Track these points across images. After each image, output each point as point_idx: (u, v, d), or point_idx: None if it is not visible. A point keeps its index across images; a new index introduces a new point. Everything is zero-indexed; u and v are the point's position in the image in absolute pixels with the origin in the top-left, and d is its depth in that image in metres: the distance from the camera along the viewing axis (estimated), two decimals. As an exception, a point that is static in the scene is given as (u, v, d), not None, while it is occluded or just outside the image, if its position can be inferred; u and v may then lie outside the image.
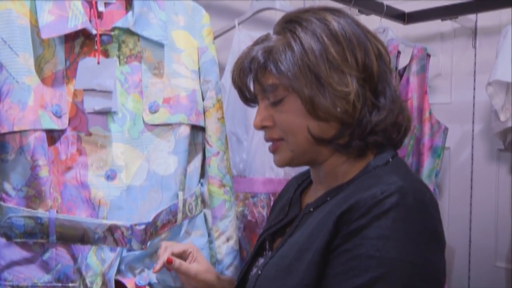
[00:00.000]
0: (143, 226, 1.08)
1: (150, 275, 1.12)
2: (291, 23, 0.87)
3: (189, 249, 1.05)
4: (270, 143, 0.91)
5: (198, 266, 1.04)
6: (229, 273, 1.28)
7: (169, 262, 0.99)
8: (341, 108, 0.82)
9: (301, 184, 1.02)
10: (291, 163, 0.89)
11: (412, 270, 0.74)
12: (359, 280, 0.73)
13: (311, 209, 0.89)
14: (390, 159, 0.86)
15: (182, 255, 1.04)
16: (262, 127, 0.89)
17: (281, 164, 0.90)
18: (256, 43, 0.89)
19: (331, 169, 0.89)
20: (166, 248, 1.02)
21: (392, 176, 0.80)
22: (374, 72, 0.85)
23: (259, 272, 0.87)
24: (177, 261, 1.01)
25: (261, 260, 0.96)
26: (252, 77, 0.89)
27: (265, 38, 0.89)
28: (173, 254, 1.03)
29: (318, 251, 0.78)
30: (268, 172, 1.72)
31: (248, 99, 0.93)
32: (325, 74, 0.82)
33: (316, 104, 0.82)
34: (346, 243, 0.76)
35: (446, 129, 2.00)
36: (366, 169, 0.86)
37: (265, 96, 0.88)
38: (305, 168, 1.01)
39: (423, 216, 0.77)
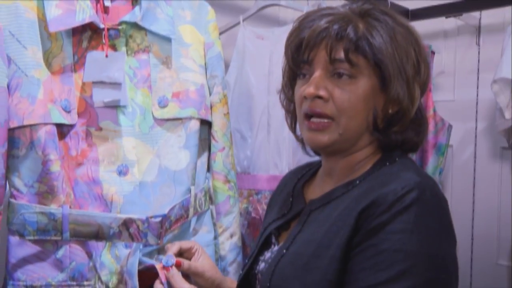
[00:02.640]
0: (159, 219, 1.07)
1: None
2: (380, 15, 0.87)
3: (195, 246, 1.06)
4: (307, 121, 0.88)
5: (204, 263, 1.04)
6: (231, 269, 1.29)
7: (178, 265, 1.00)
8: (409, 112, 0.87)
9: (301, 177, 1.02)
10: (331, 146, 0.87)
11: (436, 262, 0.76)
12: (386, 274, 0.74)
13: (323, 204, 0.88)
14: (397, 158, 0.88)
15: (189, 251, 1.05)
16: (316, 97, 0.85)
17: (322, 144, 0.87)
18: (351, 10, 0.88)
19: (352, 162, 0.90)
20: (175, 243, 1.04)
21: (408, 172, 0.82)
22: (425, 90, 0.90)
23: (273, 269, 0.86)
24: (185, 263, 1.02)
25: (267, 254, 0.96)
26: (341, 46, 0.85)
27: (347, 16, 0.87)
28: (181, 249, 1.05)
29: (340, 247, 0.79)
30: (272, 169, 1.71)
31: (298, 60, 0.89)
32: (411, 77, 0.86)
33: (400, 98, 0.85)
34: (371, 239, 0.77)
35: (450, 126, 2.00)
36: (377, 166, 0.87)
37: (330, 67, 0.86)
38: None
39: (440, 210, 0.79)
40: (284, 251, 0.87)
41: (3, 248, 1.08)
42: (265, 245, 0.98)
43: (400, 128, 0.88)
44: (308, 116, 0.87)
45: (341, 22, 0.85)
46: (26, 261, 1.06)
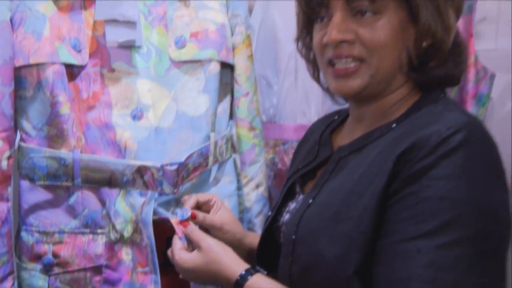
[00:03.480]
0: (175, 167, 1.01)
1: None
2: None
3: (213, 198, 1.02)
4: (331, 69, 0.80)
5: (223, 216, 1.00)
6: (258, 221, 1.23)
7: (193, 217, 0.96)
8: (445, 43, 0.78)
9: (329, 125, 0.95)
10: (363, 90, 0.80)
11: (486, 212, 0.67)
12: (430, 225, 0.66)
13: (353, 150, 0.81)
14: (439, 98, 0.80)
15: (207, 204, 1.02)
16: (341, 42, 0.78)
17: (352, 91, 0.80)
18: None
19: (385, 105, 0.82)
20: (191, 196, 1.00)
21: (453, 112, 0.73)
22: (459, 14, 0.83)
23: (298, 221, 0.80)
24: (200, 215, 0.98)
25: (291, 205, 0.90)
26: None
27: None
28: (198, 202, 1.01)
29: (376, 196, 0.71)
30: (300, 118, 1.62)
31: (312, 3, 0.82)
32: (442, 2, 0.78)
33: (432, 28, 0.77)
34: (411, 186, 0.69)
35: (493, 76, 1.86)
36: (415, 107, 0.79)
37: (350, 5, 0.78)
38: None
39: (492, 153, 0.71)
40: (310, 201, 0.80)
41: (17, 193, 1.05)
42: (289, 195, 0.92)
43: (437, 62, 0.79)
44: (333, 63, 0.79)
45: None
46: (38, 206, 1.03)
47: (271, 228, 0.92)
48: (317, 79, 0.94)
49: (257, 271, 0.83)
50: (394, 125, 0.78)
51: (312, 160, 0.90)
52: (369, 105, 0.83)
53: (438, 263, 0.65)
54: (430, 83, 0.80)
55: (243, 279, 0.81)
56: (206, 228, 0.99)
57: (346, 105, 0.96)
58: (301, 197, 0.88)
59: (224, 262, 0.85)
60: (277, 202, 0.94)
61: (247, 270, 0.82)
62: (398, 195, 0.70)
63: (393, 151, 0.72)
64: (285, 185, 0.95)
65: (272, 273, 0.85)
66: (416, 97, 0.81)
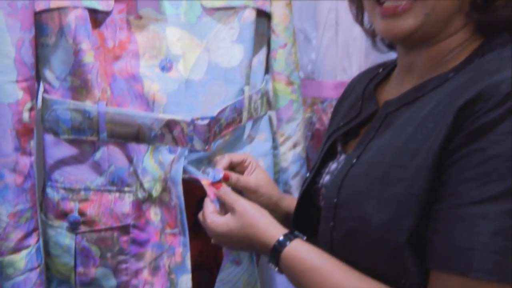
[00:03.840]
0: (206, 121, 0.94)
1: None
2: None
3: (247, 158, 0.96)
4: (379, 7, 0.72)
5: (258, 178, 0.94)
6: (295, 183, 1.16)
7: (225, 179, 0.90)
8: None
9: (373, 78, 0.86)
10: (415, 32, 0.70)
11: None
12: (499, 187, 0.57)
13: (403, 104, 0.72)
14: (508, 42, 0.69)
15: (241, 165, 0.96)
16: None
17: (402, 32, 0.71)
18: None
19: (440, 52, 0.72)
20: (224, 156, 0.95)
21: None
22: None
23: (340, 182, 0.72)
24: (234, 176, 0.92)
25: (332, 165, 0.83)
26: None
27: None
28: (232, 162, 0.95)
29: (433, 153, 0.62)
30: (340, 74, 1.53)
31: None
32: None
33: None
34: (476, 142, 0.60)
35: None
36: (478, 53, 0.69)
37: None
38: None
39: None
40: (354, 160, 0.72)
41: (40, 147, 1.01)
42: (330, 155, 0.85)
43: (505, 1, 0.68)
44: (381, 1, 0.70)
45: None
46: (63, 162, 0.98)
47: (310, 190, 0.86)
48: (360, 22, 0.84)
49: (296, 236, 0.77)
50: (452, 74, 0.69)
51: (354, 117, 0.82)
52: (421, 52, 0.73)
53: (508, 230, 0.57)
54: (495, 25, 0.70)
55: (281, 245, 0.75)
56: (240, 191, 0.93)
57: (391, 57, 0.86)
58: (343, 156, 0.81)
59: (260, 225, 0.79)
60: (316, 163, 0.87)
61: (285, 235, 0.76)
62: (460, 152, 0.61)
63: (453, 103, 0.63)
64: (325, 144, 0.87)
65: (311, 239, 0.78)
66: (477, 43, 0.71)
